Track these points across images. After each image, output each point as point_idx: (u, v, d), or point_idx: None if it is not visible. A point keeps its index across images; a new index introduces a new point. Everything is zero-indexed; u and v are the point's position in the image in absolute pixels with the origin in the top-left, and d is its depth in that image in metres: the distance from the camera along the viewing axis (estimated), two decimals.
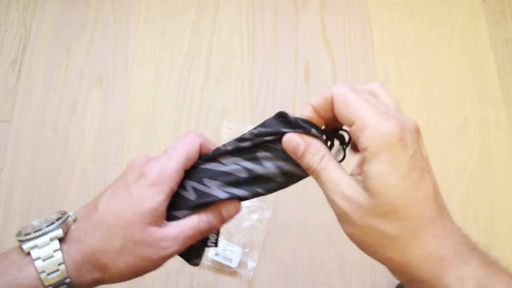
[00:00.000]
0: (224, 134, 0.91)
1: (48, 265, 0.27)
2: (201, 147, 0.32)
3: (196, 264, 0.33)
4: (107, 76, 0.98)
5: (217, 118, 0.94)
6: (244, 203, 0.94)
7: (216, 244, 0.34)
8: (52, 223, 0.29)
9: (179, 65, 0.99)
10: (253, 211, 0.86)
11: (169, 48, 1.01)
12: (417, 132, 0.27)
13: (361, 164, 0.27)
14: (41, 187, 0.88)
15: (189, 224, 0.30)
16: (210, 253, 0.81)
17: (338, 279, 0.82)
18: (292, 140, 0.29)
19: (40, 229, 0.29)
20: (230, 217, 0.31)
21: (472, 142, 0.93)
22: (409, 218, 0.25)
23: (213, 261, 0.81)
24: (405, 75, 0.98)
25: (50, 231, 0.29)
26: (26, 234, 0.29)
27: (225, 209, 0.31)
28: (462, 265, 0.25)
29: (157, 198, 0.29)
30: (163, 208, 0.30)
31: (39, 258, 0.28)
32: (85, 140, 0.92)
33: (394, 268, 0.27)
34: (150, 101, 0.96)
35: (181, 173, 0.31)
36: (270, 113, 0.93)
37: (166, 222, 0.30)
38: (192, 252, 0.33)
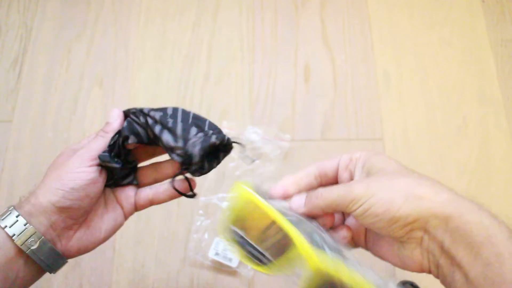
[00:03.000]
0: None
1: (9, 219, 0.37)
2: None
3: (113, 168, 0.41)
4: (108, 76, 0.98)
5: (217, 118, 0.94)
6: None
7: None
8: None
9: (179, 65, 0.99)
10: None
11: (169, 48, 1.01)
12: None
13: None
14: None
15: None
16: (210, 253, 0.81)
17: None
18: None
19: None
20: (111, 117, 0.41)
21: (472, 142, 0.93)
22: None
23: (213, 261, 0.81)
24: (405, 75, 0.99)
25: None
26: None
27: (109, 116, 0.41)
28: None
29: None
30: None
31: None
32: None
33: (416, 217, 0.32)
34: (150, 101, 0.96)
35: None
36: (270, 113, 0.94)
37: None
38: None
